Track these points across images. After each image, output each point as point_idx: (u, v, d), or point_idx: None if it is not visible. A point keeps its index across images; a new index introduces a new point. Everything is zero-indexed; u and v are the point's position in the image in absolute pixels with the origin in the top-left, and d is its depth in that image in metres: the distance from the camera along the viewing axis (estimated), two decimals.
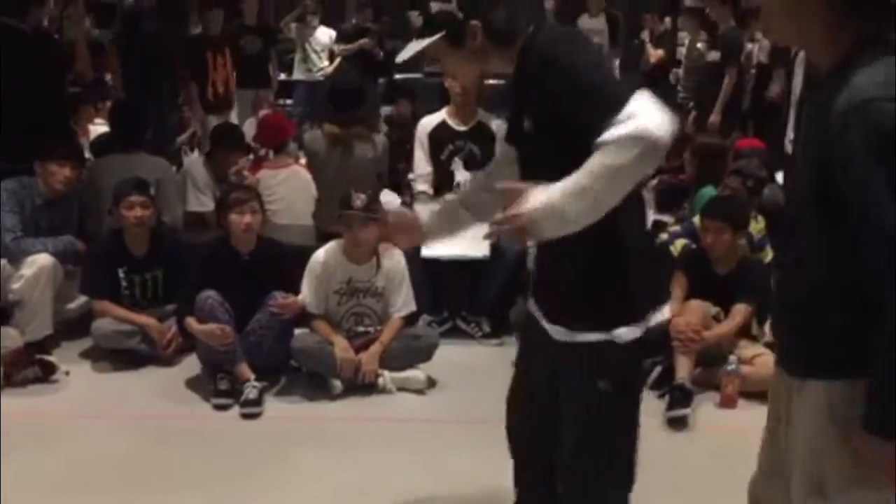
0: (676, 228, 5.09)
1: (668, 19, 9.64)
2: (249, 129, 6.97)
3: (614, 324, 2.04)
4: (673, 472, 3.50)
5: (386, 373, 4.26)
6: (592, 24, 8.75)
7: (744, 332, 4.26)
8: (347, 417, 4.03)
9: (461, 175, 5.07)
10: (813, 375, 1.77)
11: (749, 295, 4.18)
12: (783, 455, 1.89)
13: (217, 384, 4.12)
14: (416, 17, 2.14)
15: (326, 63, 9.88)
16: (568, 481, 2.20)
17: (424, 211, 2.27)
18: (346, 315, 4.39)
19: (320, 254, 4.35)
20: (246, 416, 3.99)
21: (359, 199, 4.17)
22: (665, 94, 8.66)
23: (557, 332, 2.12)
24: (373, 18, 10.89)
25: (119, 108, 6.26)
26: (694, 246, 4.63)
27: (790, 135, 5.73)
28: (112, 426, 3.92)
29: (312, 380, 4.29)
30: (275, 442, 3.78)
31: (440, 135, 5.12)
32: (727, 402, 4.08)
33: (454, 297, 5.00)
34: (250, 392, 4.04)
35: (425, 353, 4.35)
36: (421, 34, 2.13)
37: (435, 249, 4.82)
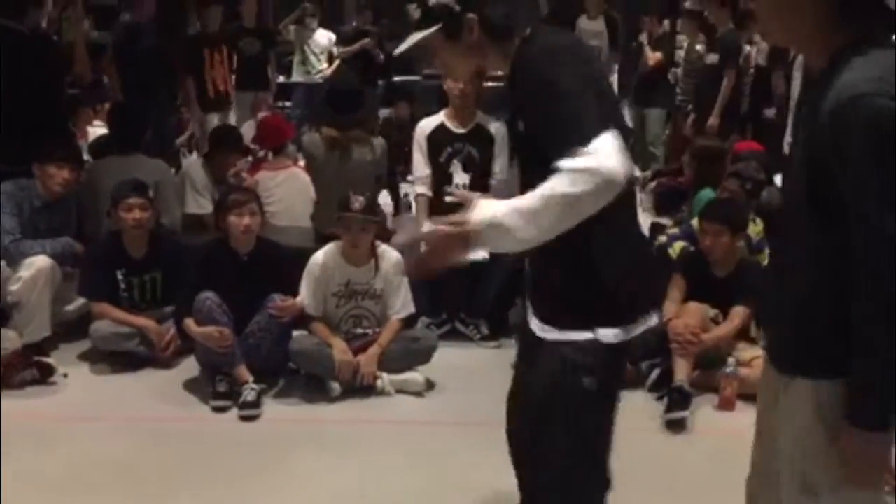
0: (675, 231, 5.09)
1: (666, 22, 9.64)
2: (248, 131, 6.97)
3: (598, 324, 2.05)
4: (671, 475, 3.51)
5: (384, 375, 4.26)
6: (591, 26, 8.74)
7: (742, 334, 4.27)
8: (346, 419, 4.03)
9: (460, 177, 5.07)
10: (802, 373, 1.79)
11: (748, 297, 4.18)
12: (771, 454, 1.90)
13: (215, 386, 4.12)
14: (414, 10, 2.14)
15: (325, 65, 9.88)
16: (542, 478, 2.21)
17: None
18: (344, 317, 4.39)
19: (319, 256, 4.35)
20: (244, 419, 3.99)
21: (357, 202, 4.18)
22: (664, 96, 8.71)
23: (543, 330, 2.14)
24: (373, 21, 10.90)
25: (118, 110, 6.26)
26: (692, 248, 4.63)
27: (789, 137, 5.74)
28: (110, 428, 3.92)
29: (311, 382, 4.29)
30: (273, 444, 3.77)
31: (439, 137, 5.12)
32: (725, 405, 4.08)
33: (453, 299, 5.00)
34: (249, 394, 4.04)
35: (424, 356, 4.35)
36: (418, 27, 2.14)
37: None
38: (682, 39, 8.59)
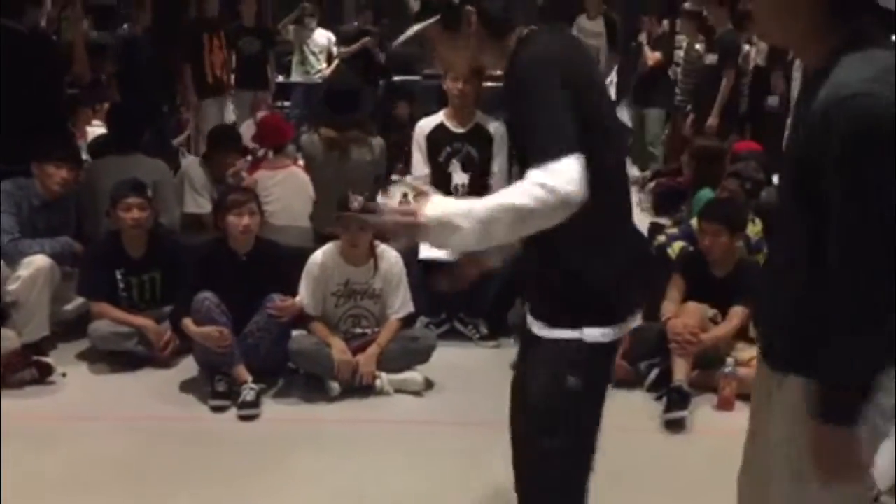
0: (674, 231, 5.10)
1: (665, 22, 9.64)
2: (247, 130, 6.96)
3: (584, 323, 2.06)
4: (670, 474, 3.51)
5: (383, 374, 4.26)
6: (591, 27, 8.75)
7: (741, 334, 4.26)
8: (345, 419, 4.03)
9: (459, 177, 5.07)
10: (795, 371, 1.80)
11: (746, 297, 4.17)
12: (762, 451, 1.92)
13: (214, 386, 4.12)
14: (414, 2, 2.15)
15: (324, 65, 9.88)
16: (531, 475, 2.23)
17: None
18: (343, 317, 4.39)
19: (318, 255, 4.35)
20: (243, 418, 3.99)
21: (356, 201, 4.17)
22: (663, 96, 8.71)
23: (535, 326, 2.16)
24: (373, 20, 10.89)
25: (117, 109, 6.25)
26: (692, 248, 4.63)
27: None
28: (109, 428, 3.92)
29: (310, 382, 4.29)
30: (272, 444, 3.77)
31: (438, 137, 5.12)
32: (724, 405, 4.08)
33: (452, 299, 5.00)
34: (248, 394, 4.04)
35: (423, 355, 4.35)
36: (417, 18, 2.15)
37: (433, 251, 4.82)
38: (682, 39, 8.58)
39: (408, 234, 1.97)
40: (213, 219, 4.56)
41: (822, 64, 1.71)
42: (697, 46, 8.10)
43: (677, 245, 4.81)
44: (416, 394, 4.28)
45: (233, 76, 8.42)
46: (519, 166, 2.09)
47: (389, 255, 4.38)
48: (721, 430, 3.88)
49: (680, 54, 8.52)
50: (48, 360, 4.37)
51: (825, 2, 1.71)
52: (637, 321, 2.15)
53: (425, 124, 5.20)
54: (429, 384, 4.33)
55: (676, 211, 5.95)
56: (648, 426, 3.94)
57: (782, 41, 1.93)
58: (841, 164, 1.61)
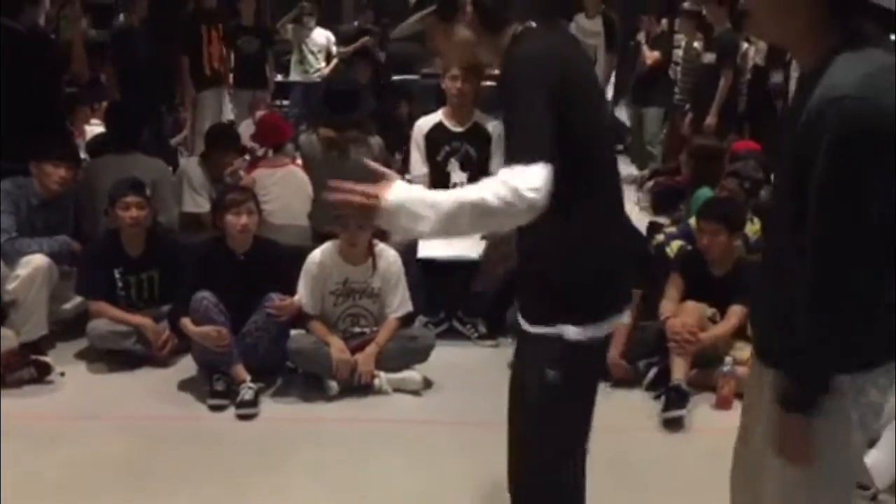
0: (672, 230, 5.10)
1: (664, 21, 9.63)
2: (246, 130, 6.96)
3: (562, 321, 2.09)
4: (669, 473, 3.51)
5: (382, 374, 4.26)
6: (589, 26, 8.74)
7: (740, 333, 4.26)
8: (344, 418, 4.03)
9: (457, 176, 5.06)
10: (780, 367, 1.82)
11: (745, 296, 4.17)
12: (753, 447, 1.95)
13: (213, 385, 4.12)
14: None
15: (323, 64, 9.88)
16: (520, 469, 2.25)
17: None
18: (342, 316, 4.38)
19: (316, 254, 4.35)
20: (242, 417, 3.99)
21: None
22: (662, 95, 8.70)
23: (523, 323, 2.20)
24: (373, 20, 10.88)
25: (115, 108, 6.25)
26: (690, 247, 4.63)
27: None
28: (107, 427, 3.92)
29: (308, 381, 4.29)
30: (271, 443, 3.77)
31: (436, 136, 5.12)
32: (723, 404, 4.08)
33: (450, 298, 5.00)
34: (246, 393, 4.04)
35: (421, 355, 4.35)
36: (415, 8, 2.17)
37: (431, 250, 4.83)
38: (680, 38, 8.58)
39: (365, 215, 1.96)
40: (212, 218, 4.55)
41: (818, 63, 1.72)
42: (696, 45, 8.10)
43: (676, 244, 4.81)
44: (415, 393, 4.28)
45: (231, 75, 8.41)
46: None
47: (388, 255, 4.38)
48: (719, 428, 3.87)
49: (679, 53, 8.52)
50: (46, 359, 4.37)
51: (823, 1, 1.71)
52: (623, 318, 2.15)
53: (424, 123, 5.20)
54: (427, 383, 4.33)
55: (675, 210, 5.95)
56: (647, 425, 3.95)
57: (780, 40, 1.93)
58: (827, 162, 1.63)
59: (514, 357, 2.33)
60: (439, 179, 5.05)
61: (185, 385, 4.31)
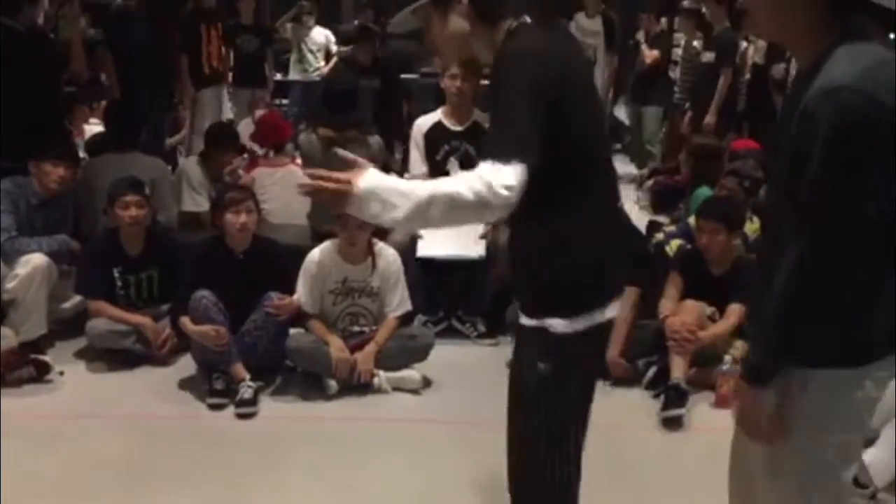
0: (672, 229, 5.10)
1: (664, 19, 9.63)
2: (245, 129, 6.95)
3: (549, 314, 2.10)
4: (668, 472, 3.51)
5: (381, 373, 4.26)
6: (589, 25, 8.73)
7: (739, 332, 4.27)
8: (343, 417, 4.03)
9: None
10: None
11: (744, 295, 4.17)
12: (747, 444, 1.95)
13: (212, 384, 4.12)
14: None
15: (322, 63, 9.87)
16: (514, 461, 2.26)
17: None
18: (341, 315, 4.38)
19: (315, 253, 4.35)
20: (241, 416, 3.98)
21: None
22: (661, 94, 8.70)
23: (520, 315, 2.21)
24: (373, 20, 10.87)
25: (114, 107, 6.25)
26: (689, 246, 4.64)
27: None
28: (107, 426, 3.92)
29: (308, 380, 4.29)
30: (270, 442, 3.77)
31: (436, 135, 5.12)
32: (722, 402, 4.08)
33: (450, 297, 5.00)
34: (245, 392, 4.04)
35: (421, 353, 4.35)
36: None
37: (431, 249, 4.83)
38: (680, 37, 8.58)
39: (337, 201, 1.95)
40: (211, 217, 4.55)
41: (817, 58, 1.72)
42: (695, 44, 8.10)
43: (675, 243, 4.81)
44: (414, 392, 4.28)
45: (230, 73, 8.40)
46: None
47: (387, 253, 4.38)
48: (718, 427, 3.86)
49: (678, 52, 8.51)
50: (46, 358, 4.37)
51: (823, 0, 1.71)
52: (611, 312, 2.14)
53: (423, 122, 5.20)
54: (427, 382, 4.33)
55: (674, 209, 5.95)
56: (646, 424, 3.95)
57: (779, 38, 1.94)
58: (823, 153, 1.63)
59: (512, 354, 2.34)
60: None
61: (184, 384, 4.31)
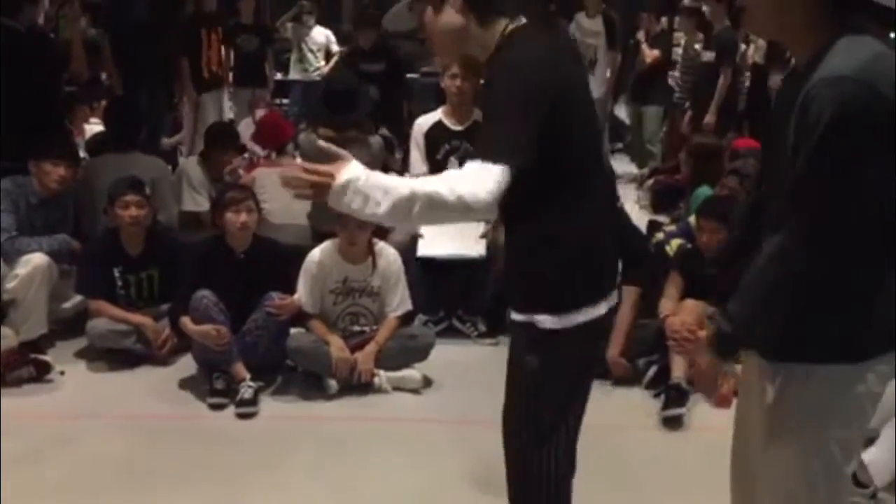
0: (672, 228, 5.10)
1: (664, 19, 9.63)
2: (245, 128, 6.95)
3: (536, 310, 2.11)
4: (668, 472, 3.51)
5: (382, 372, 4.26)
6: (589, 25, 8.72)
7: None
8: (343, 417, 4.03)
9: None
10: (779, 359, 1.85)
11: None
12: (746, 441, 1.98)
13: (213, 384, 4.12)
14: None
15: (322, 63, 9.88)
16: (507, 456, 2.26)
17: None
18: (341, 315, 4.38)
19: (316, 253, 4.35)
20: (242, 416, 3.99)
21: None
22: (661, 93, 8.70)
23: (511, 310, 2.23)
24: None
25: (114, 107, 6.25)
26: (690, 246, 4.63)
27: None
28: (107, 426, 3.92)
29: (308, 379, 4.29)
30: (271, 441, 3.77)
31: (436, 134, 5.12)
32: (722, 402, 4.07)
33: (450, 296, 5.00)
34: (246, 392, 4.04)
35: (421, 353, 4.35)
36: None
37: (431, 249, 4.83)
38: (680, 37, 8.57)
39: (318, 193, 1.94)
40: (211, 217, 4.56)
41: (816, 52, 1.71)
42: (696, 44, 8.10)
43: (675, 242, 4.81)
44: (415, 391, 4.28)
45: (231, 73, 8.40)
46: None
47: (388, 253, 4.38)
48: (719, 427, 3.85)
49: (678, 52, 8.51)
50: (46, 358, 4.37)
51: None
52: (601, 310, 2.14)
53: (423, 122, 5.20)
54: (427, 382, 4.33)
55: (674, 208, 5.96)
56: (646, 423, 3.95)
57: (777, 37, 1.93)
58: (818, 140, 1.62)
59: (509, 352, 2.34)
60: None
61: (184, 384, 4.31)
